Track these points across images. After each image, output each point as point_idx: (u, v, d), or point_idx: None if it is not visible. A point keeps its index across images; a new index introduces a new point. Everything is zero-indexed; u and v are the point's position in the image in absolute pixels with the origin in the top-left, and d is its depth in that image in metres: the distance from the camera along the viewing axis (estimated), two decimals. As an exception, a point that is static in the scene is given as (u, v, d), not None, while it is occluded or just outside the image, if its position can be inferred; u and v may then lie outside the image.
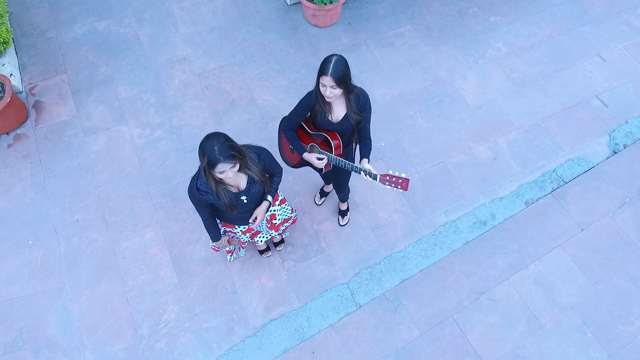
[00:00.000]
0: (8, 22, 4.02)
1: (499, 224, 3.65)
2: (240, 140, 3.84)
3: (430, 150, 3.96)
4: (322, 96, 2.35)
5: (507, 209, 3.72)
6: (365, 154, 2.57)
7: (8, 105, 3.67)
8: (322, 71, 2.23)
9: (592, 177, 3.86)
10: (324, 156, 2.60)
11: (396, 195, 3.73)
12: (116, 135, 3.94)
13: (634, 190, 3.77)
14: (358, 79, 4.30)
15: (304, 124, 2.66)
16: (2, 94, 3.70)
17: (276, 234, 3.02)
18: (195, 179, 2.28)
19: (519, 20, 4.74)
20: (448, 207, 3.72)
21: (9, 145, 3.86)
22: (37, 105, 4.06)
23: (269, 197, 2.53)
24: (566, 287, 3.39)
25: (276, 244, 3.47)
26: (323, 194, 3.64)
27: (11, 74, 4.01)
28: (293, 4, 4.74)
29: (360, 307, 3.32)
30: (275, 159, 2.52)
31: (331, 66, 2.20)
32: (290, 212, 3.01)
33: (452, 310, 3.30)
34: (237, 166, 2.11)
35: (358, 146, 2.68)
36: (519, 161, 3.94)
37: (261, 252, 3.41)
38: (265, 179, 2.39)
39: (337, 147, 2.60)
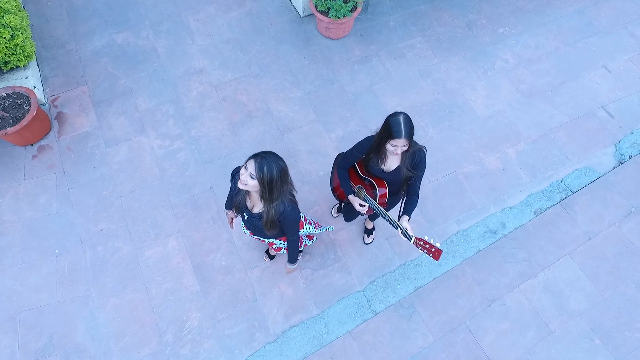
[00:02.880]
0: (31, 36, 4.14)
1: (509, 233, 3.78)
2: (257, 151, 3.98)
3: (442, 160, 4.08)
4: (380, 146, 2.38)
5: (516, 219, 3.84)
6: (408, 210, 2.56)
7: (33, 118, 3.79)
8: (391, 134, 2.24)
9: (598, 187, 3.98)
10: (366, 204, 2.64)
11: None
12: (137, 146, 4.07)
13: (639, 200, 3.89)
14: (371, 90, 4.43)
15: (357, 165, 2.71)
16: (28, 107, 3.82)
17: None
18: (286, 207, 2.28)
19: (526, 31, 4.86)
20: (459, 217, 3.84)
21: (34, 156, 3.98)
22: (59, 117, 4.18)
23: (289, 265, 2.75)
24: (574, 295, 3.52)
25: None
26: (340, 209, 3.72)
27: (34, 87, 4.13)
28: (306, 16, 4.86)
29: (376, 314, 3.44)
30: (295, 228, 2.44)
31: (402, 128, 2.22)
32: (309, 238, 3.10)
33: (465, 317, 3.43)
34: (258, 188, 2.15)
35: (404, 199, 2.66)
36: (527, 171, 4.06)
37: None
38: (273, 225, 2.34)
39: (382, 196, 2.63)
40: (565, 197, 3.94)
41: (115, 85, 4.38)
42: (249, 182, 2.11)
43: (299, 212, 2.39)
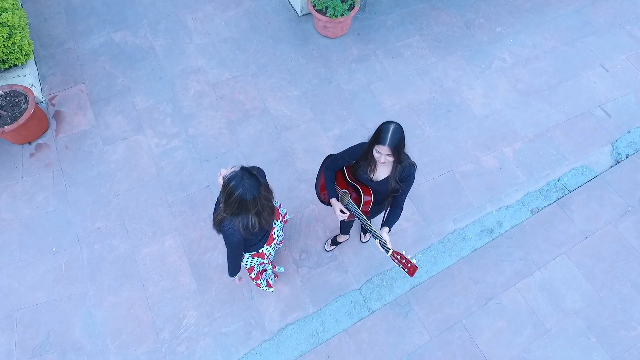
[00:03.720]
0: (29, 35, 4.14)
1: (506, 231, 3.78)
2: (254, 150, 3.99)
3: (439, 159, 4.08)
4: (369, 152, 2.35)
5: (513, 217, 3.85)
6: (390, 222, 2.52)
7: (31, 116, 3.79)
8: (378, 139, 2.21)
9: (595, 186, 3.99)
10: (347, 212, 2.63)
11: (406, 203, 3.85)
12: (134, 145, 4.07)
13: (636, 199, 3.90)
14: (368, 89, 4.43)
15: (345, 169, 2.69)
16: (26, 105, 3.83)
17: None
18: (228, 227, 2.28)
19: (524, 31, 4.87)
20: (456, 216, 3.85)
21: (32, 155, 3.98)
22: (57, 115, 4.19)
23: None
24: (571, 293, 3.53)
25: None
26: (334, 242, 3.66)
27: (32, 85, 4.14)
28: (304, 15, 4.87)
29: (372, 312, 3.45)
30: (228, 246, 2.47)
31: (388, 136, 2.18)
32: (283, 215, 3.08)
33: (461, 316, 3.44)
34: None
35: (387, 210, 2.63)
36: (524, 170, 4.07)
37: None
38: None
39: (366, 203, 2.58)
40: (562, 196, 3.95)
41: (113, 83, 4.39)
42: (388, 159, 2.30)
43: (235, 238, 2.35)
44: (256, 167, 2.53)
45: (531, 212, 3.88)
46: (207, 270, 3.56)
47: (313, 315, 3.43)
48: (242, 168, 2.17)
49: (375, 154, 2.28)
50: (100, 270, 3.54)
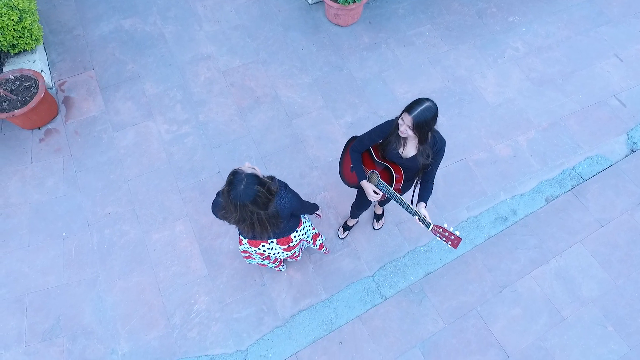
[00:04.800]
0: (38, 20, 4.11)
1: (520, 219, 3.74)
2: (265, 136, 3.95)
3: (452, 147, 4.04)
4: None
5: (527, 206, 3.80)
6: (425, 197, 2.50)
7: (41, 101, 3.76)
8: (408, 108, 2.18)
9: (610, 175, 3.94)
10: (380, 193, 2.58)
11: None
12: (144, 131, 4.04)
13: (652, 188, 3.86)
14: (380, 77, 4.39)
15: (372, 149, 2.65)
16: (36, 89, 3.79)
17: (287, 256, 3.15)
18: (283, 198, 2.29)
19: (536, 20, 4.82)
20: (470, 203, 3.80)
21: (41, 140, 3.95)
22: (66, 101, 4.16)
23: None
24: (587, 282, 3.48)
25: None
26: (346, 228, 3.62)
27: (42, 70, 4.10)
28: (314, 3, 4.83)
29: (386, 299, 3.41)
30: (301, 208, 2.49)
31: (418, 109, 2.14)
32: (311, 228, 3.00)
33: (476, 303, 3.39)
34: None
35: (418, 186, 2.60)
36: (538, 159, 4.02)
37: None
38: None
39: (397, 181, 2.54)
40: (577, 185, 3.90)
41: (123, 70, 4.36)
42: (409, 132, 2.28)
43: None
44: (281, 182, 2.36)
45: (546, 200, 3.83)
46: (218, 256, 3.53)
47: (325, 301, 3.39)
48: (253, 175, 2.04)
49: (399, 121, 2.25)
50: (110, 255, 3.50)
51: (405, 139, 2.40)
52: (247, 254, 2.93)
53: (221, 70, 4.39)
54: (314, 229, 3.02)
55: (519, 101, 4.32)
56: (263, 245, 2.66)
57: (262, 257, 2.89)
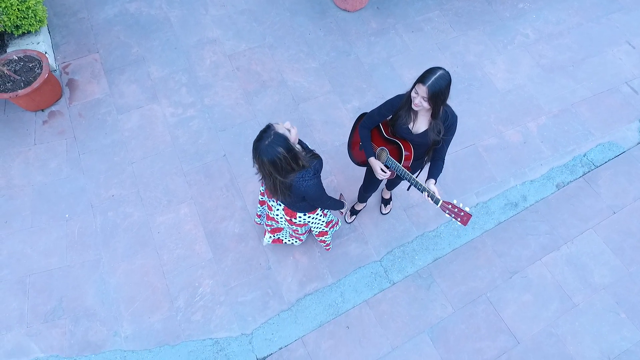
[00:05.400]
0: (42, 1, 4.06)
1: (531, 205, 3.67)
2: (272, 120, 3.89)
3: (461, 133, 3.97)
4: (411, 102, 2.24)
5: (538, 192, 3.73)
6: (435, 174, 2.41)
7: (45, 81, 3.71)
8: (421, 79, 2.10)
9: (623, 161, 3.87)
10: (388, 171, 2.51)
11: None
12: (149, 114, 3.98)
13: (665, 175, 3.78)
14: (388, 62, 4.32)
15: (381, 126, 2.58)
16: (39, 70, 3.74)
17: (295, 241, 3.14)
18: (305, 181, 2.15)
19: (547, 7, 4.74)
20: (479, 189, 3.74)
21: (44, 122, 3.90)
22: (70, 84, 4.10)
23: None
24: (599, 268, 3.41)
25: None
26: (354, 212, 3.56)
27: (46, 52, 4.05)
28: (322, -12, 4.76)
29: (393, 284, 3.34)
30: (322, 199, 2.37)
31: (432, 78, 2.06)
32: (324, 225, 2.92)
33: (485, 289, 3.32)
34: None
35: (429, 163, 2.54)
36: (549, 145, 3.95)
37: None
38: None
39: (407, 158, 2.47)
40: (589, 171, 3.83)
41: (128, 53, 4.30)
42: (423, 104, 2.19)
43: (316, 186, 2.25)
44: (318, 164, 2.24)
45: (557, 186, 3.76)
46: (223, 240, 3.47)
47: (332, 285, 3.33)
48: (282, 137, 1.99)
49: (413, 94, 2.17)
50: (113, 238, 3.45)
51: (416, 113, 2.33)
52: (260, 208, 2.96)
53: (227, 54, 4.33)
54: (327, 225, 2.93)
55: (529, 87, 4.24)
56: (272, 201, 2.65)
57: (268, 217, 2.85)
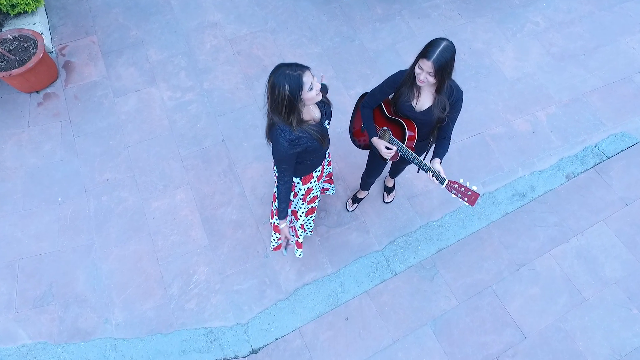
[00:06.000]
0: (40, -20, 3.96)
1: (539, 196, 3.53)
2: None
3: (467, 121, 3.84)
4: (414, 78, 2.11)
5: (547, 182, 3.59)
6: (440, 154, 2.28)
7: (40, 61, 3.60)
8: (424, 53, 1.97)
9: (635, 152, 3.73)
10: (394, 147, 2.37)
11: (432, 164, 3.61)
12: (146, 97, 3.87)
13: (680, 167, 3.63)
14: (393, 48, 4.20)
15: (384, 105, 2.45)
16: (34, 50, 3.64)
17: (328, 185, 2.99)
18: (280, 136, 2.00)
19: (558, -5, 4.60)
20: (486, 179, 3.60)
21: (39, 104, 3.80)
22: (67, 66, 4.00)
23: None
24: (610, 262, 3.27)
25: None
26: (356, 200, 3.43)
27: (42, 33, 3.95)
28: (326, -27, 4.63)
29: (395, 274, 3.22)
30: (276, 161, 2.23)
31: (437, 52, 1.93)
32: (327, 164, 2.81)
33: (491, 281, 3.19)
34: (315, 77, 1.92)
35: (434, 144, 2.40)
36: (559, 135, 3.81)
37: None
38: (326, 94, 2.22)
39: (410, 139, 2.34)
40: (600, 162, 3.69)
41: (126, 36, 4.19)
42: (429, 79, 2.08)
43: (282, 146, 2.04)
44: (318, 138, 2.10)
45: (566, 177, 3.62)
46: (219, 226, 3.35)
47: (332, 275, 3.21)
48: (300, 77, 1.83)
49: (417, 70, 2.04)
50: (107, 222, 3.34)
51: (419, 89, 2.21)
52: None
53: (228, 38, 4.22)
54: (307, 215, 2.79)
55: (538, 76, 4.11)
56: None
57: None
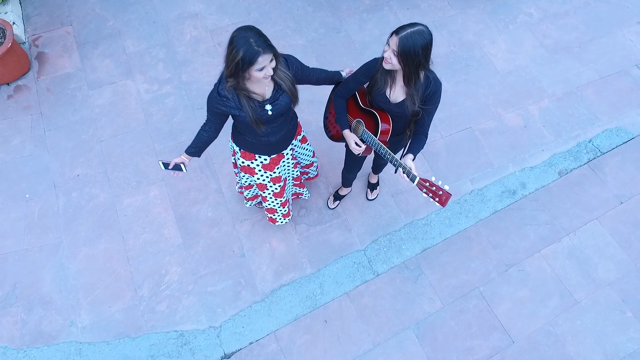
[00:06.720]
0: (12, -32, 3.81)
1: (530, 193, 3.38)
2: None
3: (456, 115, 3.68)
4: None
5: (538, 179, 3.44)
6: (414, 149, 2.11)
7: (8, 51, 3.45)
8: (396, 30, 1.83)
9: (631, 148, 3.57)
10: (363, 145, 2.24)
11: (418, 160, 3.46)
12: (122, 90, 3.72)
13: (678, 163, 3.47)
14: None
15: (358, 96, 2.32)
16: (3, 39, 3.48)
17: (300, 189, 2.82)
18: (217, 84, 2.02)
19: (553, -15, 4.43)
20: (474, 175, 3.45)
21: (9, 97, 3.64)
22: (40, 57, 3.84)
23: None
24: (603, 263, 3.11)
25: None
26: (338, 197, 3.28)
27: (14, 23, 3.79)
28: (312, -37, 4.47)
29: (378, 275, 3.06)
30: (306, 65, 2.25)
31: (408, 32, 1.77)
32: (311, 155, 2.77)
33: (478, 282, 3.04)
34: (274, 62, 1.85)
35: (409, 140, 2.23)
36: (551, 130, 3.66)
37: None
38: (295, 89, 2.09)
39: (384, 132, 2.18)
40: (594, 158, 3.53)
41: (103, 26, 4.03)
42: (392, 60, 1.97)
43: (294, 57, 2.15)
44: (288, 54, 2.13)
45: (559, 173, 3.47)
46: (194, 224, 3.20)
47: (311, 276, 3.06)
48: (260, 36, 1.80)
49: (385, 48, 1.89)
50: (76, 220, 3.19)
51: (393, 78, 2.04)
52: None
53: (209, 29, 4.06)
54: (278, 195, 2.65)
55: (531, 68, 3.95)
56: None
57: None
